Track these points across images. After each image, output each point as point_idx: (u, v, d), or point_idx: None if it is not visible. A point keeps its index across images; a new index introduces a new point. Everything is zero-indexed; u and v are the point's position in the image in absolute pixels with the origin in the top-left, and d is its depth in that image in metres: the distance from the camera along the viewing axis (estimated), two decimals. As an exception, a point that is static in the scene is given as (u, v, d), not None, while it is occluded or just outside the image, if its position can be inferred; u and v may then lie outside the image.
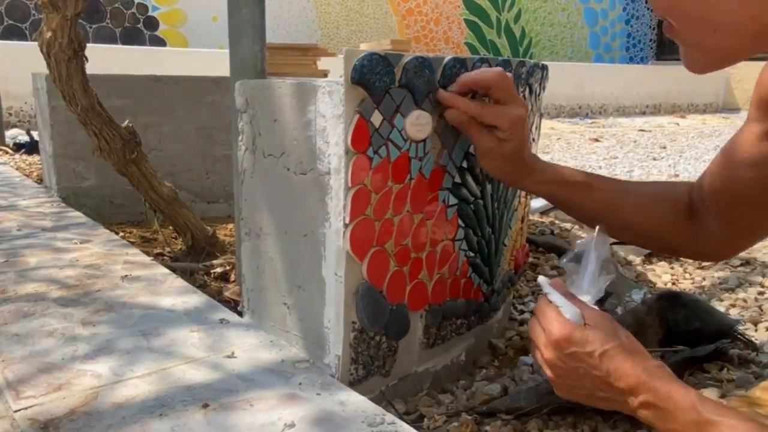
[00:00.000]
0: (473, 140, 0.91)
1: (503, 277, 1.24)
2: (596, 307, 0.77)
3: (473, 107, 0.89)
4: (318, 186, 0.87)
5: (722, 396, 1.04)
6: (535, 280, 1.72)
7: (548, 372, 0.75)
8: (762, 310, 1.47)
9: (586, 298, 0.79)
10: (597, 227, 0.82)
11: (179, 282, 1.26)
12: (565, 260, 0.84)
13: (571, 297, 0.76)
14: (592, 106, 8.68)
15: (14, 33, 6.09)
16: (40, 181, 2.47)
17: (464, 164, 1.00)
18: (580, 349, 0.70)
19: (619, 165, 3.95)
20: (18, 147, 3.77)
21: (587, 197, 0.93)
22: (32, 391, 0.83)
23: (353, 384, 0.90)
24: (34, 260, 1.38)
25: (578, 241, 0.84)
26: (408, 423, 0.80)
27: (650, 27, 11.11)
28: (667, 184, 0.99)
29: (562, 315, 0.73)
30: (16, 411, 0.78)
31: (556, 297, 0.76)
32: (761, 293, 1.60)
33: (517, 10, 9.52)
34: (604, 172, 3.67)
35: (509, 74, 0.90)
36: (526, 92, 1.18)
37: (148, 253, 1.52)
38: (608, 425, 0.95)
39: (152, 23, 6.82)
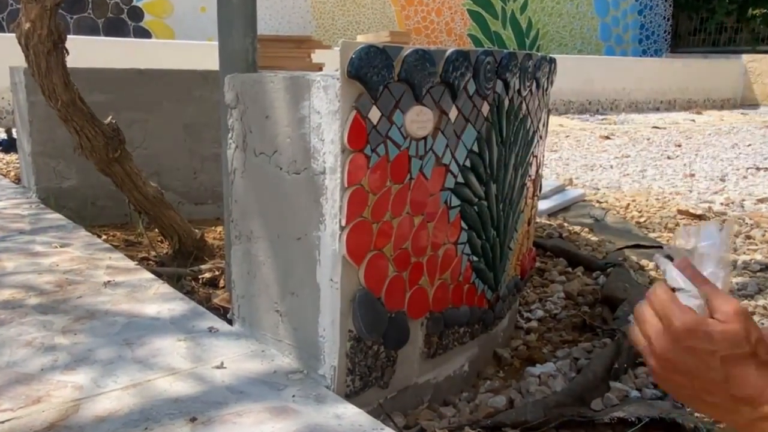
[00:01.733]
0: None
1: (509, 283, 1.24)
2: (730, 297, 0.66)
3: None
4: (312, 186, 0.87)
5: (741, 409, 1.04)
6: (543, 286, 1.72)
7: (653, 363, 0.70)
8: (783, 318, 1.47)
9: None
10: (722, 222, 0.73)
11: (165, 288, 1.26)
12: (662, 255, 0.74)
13: (700, 281, 0.68)
14: (603, 101, 8.70)
15: (-10, 24, 6.09)
16: (17, 181, 2.47)
17: (467, 163, 1.00)
18: (701, 346, 0.65)
19: (631, 164, 3.96)
20: (-6, 145, 3.76)
21: None
22: (9, 403, 0.83)
23: (350, 396, 0.90)
24: (11, 265, 1.37)
25: (686, 229, 0.74)
26: (408, 437, 0.80)
27: (664, 18, 11.14)
28: None
29: (682, 303, 0.66)
30: (-9, 425, 0.78)
31: (680, 279, 0.68)
32: (782, 300, 1.60)
33: (523, -1, 9.54)
34: (615, 171, 3.67)
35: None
36: (533, 87, 1.19)
37: (132, 258, 1.52)
38: (620, 440, 0.95)
39: (137, 14, 6.82)
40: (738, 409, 0.65)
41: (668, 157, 4.27)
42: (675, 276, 0.69)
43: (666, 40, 11.27)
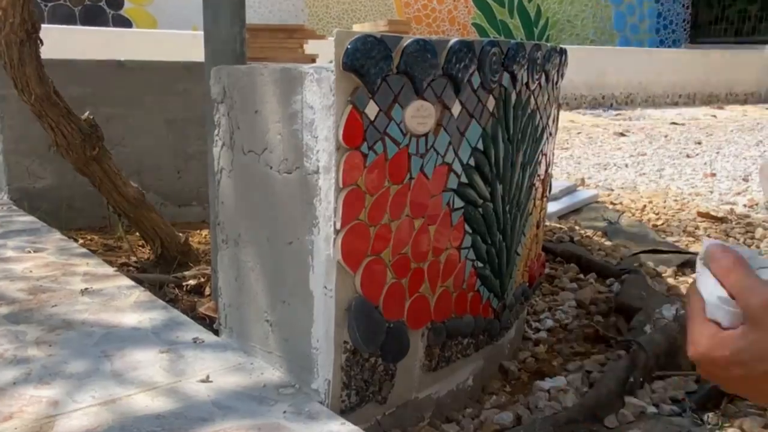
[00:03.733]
0: None
1: (516, 291, 1.24)
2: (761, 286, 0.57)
3: None
4: (305, 187, 0.88)
5: (766, 426, 1.05)
6: (553, 294, 1.73)
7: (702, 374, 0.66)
8: (810, 328, 1.48)
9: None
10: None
11: (146, 296, 1.26)
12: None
13: (741, 272, 0.59)
14: (617, 95, 8.71)
15: (-42, 12, 6.10)
16: (-13, 180, 2.47)
17: (471, 162, 1.01)
18: (723, 374, 0.60)
19: (647, 163, 3.97)
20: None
21: None
22: (-22, 420, 0.83)
23: (345, 412, 0.90)
24: (-19, 271, 1.37)
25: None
26: (407, 457, 0.80)
27: (683, 5, 11.17)
28: None
29: (705, 318, 0.60)
30: (-41, 444, 0.78)
31: (705, 283, 0.60)
32: (809, 308, 1.60)
33: (531, -14, 9.56)
34: (630, 171, 3.68)
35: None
36: (542, 80, 1.19)
37: (111, 263, 1.52)
38: (635, 459, 0.95)
39: (116, 1, 6.83)
40: None
41: (687, 156, 4.28)
42: (701, 281, 0.62)
43: (685, 29, 11.29)
